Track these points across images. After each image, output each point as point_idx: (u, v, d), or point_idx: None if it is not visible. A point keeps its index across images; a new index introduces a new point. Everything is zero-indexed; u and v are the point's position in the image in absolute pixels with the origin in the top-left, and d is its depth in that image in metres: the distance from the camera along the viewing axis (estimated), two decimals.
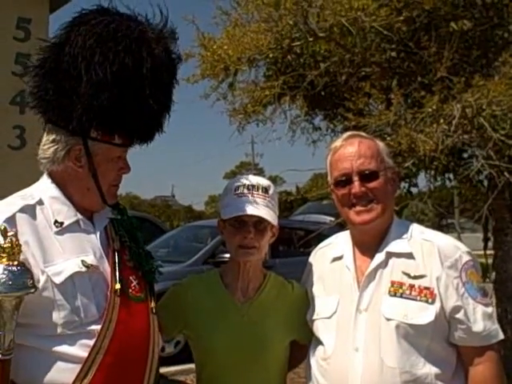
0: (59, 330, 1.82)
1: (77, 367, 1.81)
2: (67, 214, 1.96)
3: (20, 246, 1.60)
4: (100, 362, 1.83)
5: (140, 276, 2.06)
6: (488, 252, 7.20)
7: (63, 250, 1.86)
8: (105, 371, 1.83)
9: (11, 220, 1.81)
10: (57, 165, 1.97)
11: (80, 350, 1.84)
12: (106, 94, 1.84)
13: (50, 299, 1.80)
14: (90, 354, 1.82)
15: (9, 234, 1.59)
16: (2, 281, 1.52)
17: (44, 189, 2.00)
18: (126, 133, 1.98)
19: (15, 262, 1.56)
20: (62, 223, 1.92)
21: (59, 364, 1.82)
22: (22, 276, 1.56)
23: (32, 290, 1.60)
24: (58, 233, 1.90)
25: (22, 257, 1.65)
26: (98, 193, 1.99)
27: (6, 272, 1.53)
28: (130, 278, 2.01)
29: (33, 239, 1.80)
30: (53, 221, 1.91)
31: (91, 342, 1.84)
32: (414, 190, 6.49)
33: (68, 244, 1.88)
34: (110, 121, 1.91)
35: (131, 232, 2.16)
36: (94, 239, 1.99)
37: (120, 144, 1.98)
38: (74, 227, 1.96)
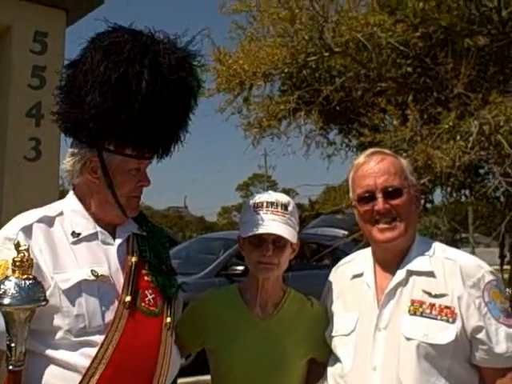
0: (63, 336, 1.81)
1: (78, 377, 1.80)
2: (86, 225, 1.99)
3: (32, 260, 1.61)
4: (101, 372, 1.81)
5: (158, 291, 2.04)
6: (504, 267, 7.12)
7: (77, 260, 1.87)
8: (106, 383, 1.81)
9: (28, 229, 1.87)
10: (76, 177, 2.01)
11: (82, 359, 1.81)
12: (108, 102, 1.86)
13: (56, 305, 1.80)
14: (91, 364, 1.80)
15: (21, 248, 1.61)
16: (14, 294, 1.54)
17: (67, 202, 2.05)
18: (137, 144, 1.96)
19: (26, 276, 1.58)
20: (79, 234, 1.94)
21: (61, 372, 1.81)
22: (34, 289, 1.58)
23: (43, 303, 1.61)
24: (74, 243, 1.92)
25: (34, 261, 1.66)
26: (116, 205, 2.00)
27: (17, 285, 1.55)
28: (146, 291, 1.99)
29: (46, 247, 1.84)
30: (70, 231, 1.95)
31: (94, 352, 1.82)
32: (428, 205, 6.48)
33: (83, 254, 1.90)
34: (115, 131, 1.92)
35: (155, 248, 2.16)
36: (112, 251, 1.99)
37: (133, 156, 1.98)
38: (91, 238, 1.97)
